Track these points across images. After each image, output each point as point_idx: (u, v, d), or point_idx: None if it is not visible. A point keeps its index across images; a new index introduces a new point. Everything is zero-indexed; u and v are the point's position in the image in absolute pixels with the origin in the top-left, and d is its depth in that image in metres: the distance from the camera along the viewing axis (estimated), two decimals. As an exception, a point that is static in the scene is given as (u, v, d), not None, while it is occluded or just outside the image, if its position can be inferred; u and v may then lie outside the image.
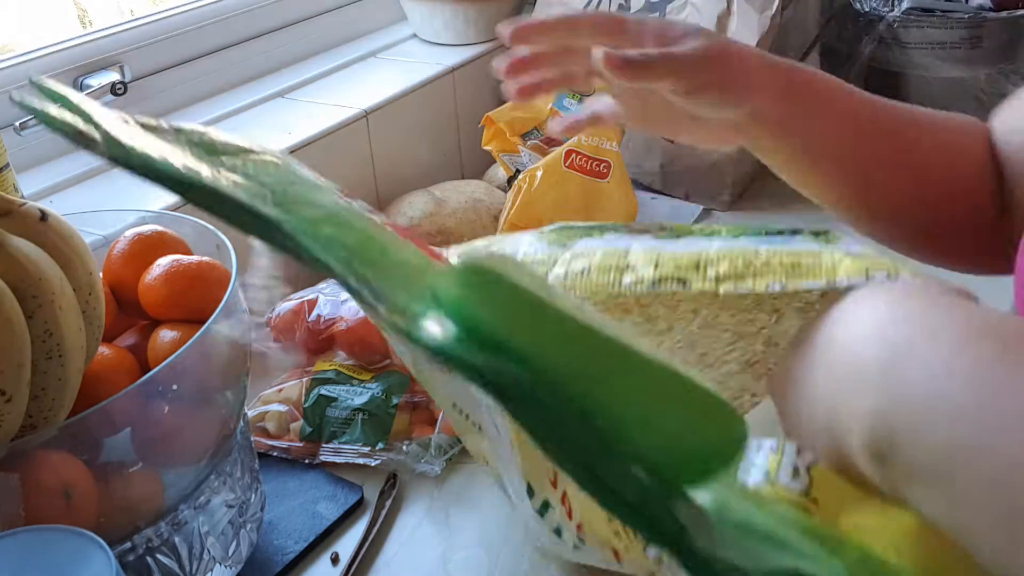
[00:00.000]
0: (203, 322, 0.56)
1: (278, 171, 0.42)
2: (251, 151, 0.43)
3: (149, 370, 0.57)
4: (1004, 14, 1.07)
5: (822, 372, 0.38)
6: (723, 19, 1.09)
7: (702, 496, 0.30)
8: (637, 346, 0.31)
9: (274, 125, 1.02)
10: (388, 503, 0.71)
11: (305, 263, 0.34)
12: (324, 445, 0.75)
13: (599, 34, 0.55)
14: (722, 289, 0.42)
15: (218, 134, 0.44)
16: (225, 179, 0.37)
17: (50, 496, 0.49)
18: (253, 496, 0.66)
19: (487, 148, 1.08)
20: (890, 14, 1.10)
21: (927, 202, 0.59)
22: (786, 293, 0.42)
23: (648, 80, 0.52)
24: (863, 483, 0.35)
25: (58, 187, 0.91)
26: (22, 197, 0.78)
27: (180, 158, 0.38)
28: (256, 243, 0.35)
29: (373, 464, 0.74)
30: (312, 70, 1.17)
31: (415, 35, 1.30)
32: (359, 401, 0.76)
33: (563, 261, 0.48)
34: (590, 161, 0.98)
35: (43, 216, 0.53)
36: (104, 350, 0.58)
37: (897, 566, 0.32)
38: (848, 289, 0.40)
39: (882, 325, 0.36)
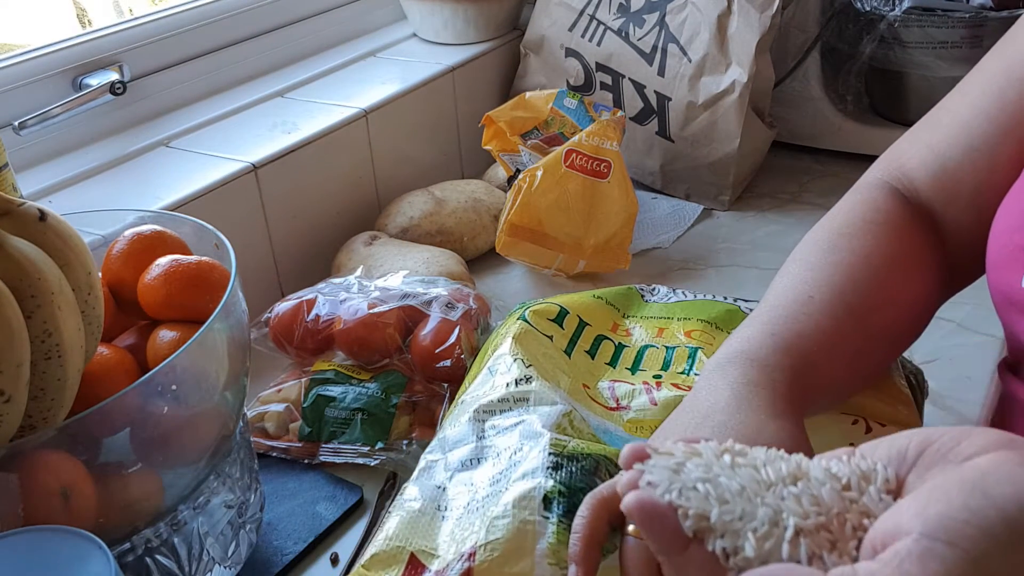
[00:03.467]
0: (202, 322, 0.55)
1: None
2: None
3: (148, 370, 0.57)
4: (1005, 13, 1.06)
5: None
6: (723, 19, 1.09)
7: None
8: None
9: (274, 125, 1.02)
10: (388, 503, 0.71)
11: None
12: (323, 445, 0.75)
13: None
14: None
15: None
16: None
17: (49, 497, 0.49)
18: (252, 496, 0.66)
19: (487, 148, 1.08)
20: (891, 13, 1.10)
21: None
22: None
23: None
24: None
25: (57, 187, 0.91)
26: (21, 197, 0.78)
27: None
28: None
29: (373, 464, 0.73)
30: (312, 70, 1.17)
31: (415, 34, 1.30)
32: (358, 401, 0.76)
33: None
34: (590, 161, 0.98)
35: (42, 216, 0.52)
36: (103, 350, 0.58)
37: None
38: None
39: None
